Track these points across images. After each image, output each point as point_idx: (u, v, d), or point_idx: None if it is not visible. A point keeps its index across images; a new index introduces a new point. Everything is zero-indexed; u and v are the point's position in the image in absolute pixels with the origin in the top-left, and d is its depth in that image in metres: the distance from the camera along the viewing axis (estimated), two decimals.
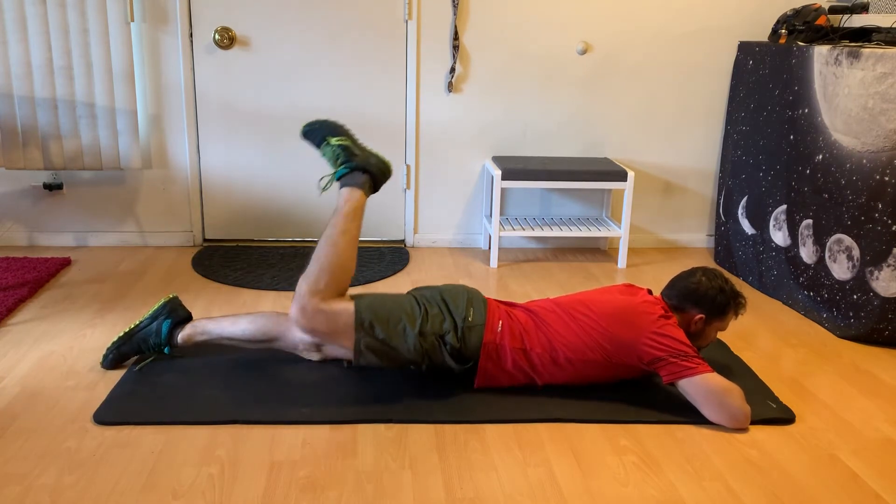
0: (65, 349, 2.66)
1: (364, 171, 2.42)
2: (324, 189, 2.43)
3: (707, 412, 2.23)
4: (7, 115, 3.55)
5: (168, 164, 3.82)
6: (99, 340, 2.74)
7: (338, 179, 2.44)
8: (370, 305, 2.32)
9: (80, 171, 3.76)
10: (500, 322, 2.35)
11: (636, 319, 2.28)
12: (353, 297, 2.36)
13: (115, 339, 2.54)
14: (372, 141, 3.87)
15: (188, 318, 2.57)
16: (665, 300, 2.42)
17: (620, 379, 2.40)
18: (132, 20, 3.57)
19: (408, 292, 2.44)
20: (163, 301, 2.56)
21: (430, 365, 2.34)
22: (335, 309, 2.29)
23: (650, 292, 2.42)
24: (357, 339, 2.29)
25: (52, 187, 3.76)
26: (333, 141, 2.42)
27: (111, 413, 2.21)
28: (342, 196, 2.40)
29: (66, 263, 3.54)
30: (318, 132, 2.45)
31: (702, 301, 2.38)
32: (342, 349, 2.41)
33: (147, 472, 1.96)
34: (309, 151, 3.86)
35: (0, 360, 2.57)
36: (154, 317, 2.52)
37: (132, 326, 2.53)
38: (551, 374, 2.36)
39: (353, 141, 2.45)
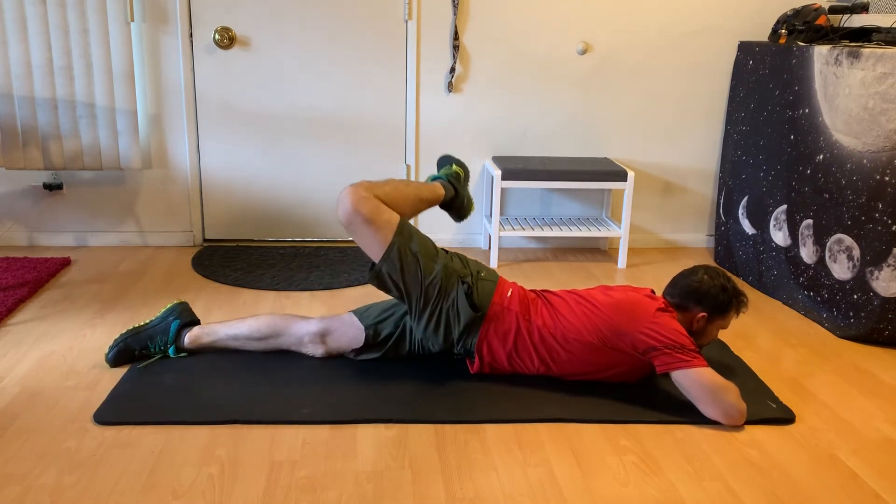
0: (65, 349, 2.66)
1: (455, 190, 2.61)
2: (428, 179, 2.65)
3: (701, 407, 2.24)
4: (7, 115, 3.55)
5: (168, 164, 3.82)
6: (99, 340, 2.74)
7: (434, 179, 2.63)
8: (414, 229, 2.43)
9: (80, 171, 3.76)
10: (511, 290, 2.45)
11: (635, 310, 2.31)
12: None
13: (123, 332, 2.57)
14: (372, 141, 3.87)
15: (196, 322, 2.62)
16: (667, 299, 2.44)
17: (618, 377, 2.41)
18: (132, 20, 3.57)
19: None
20: (174, 303, 2.61)
21: (438, 309, 2.38)
22: (383, 207, 2.36)
23: (653, 292, 2.44)
24: (393, 241, 2.35)
25: (52, 187, 3.76)
26: (455, 167, 2.68)
27: (111, 413, 2.21)
28: (430, 182, 2.59)
29: (66, 263, 3.54)
30: (449, 160, 2.73)
31: (704, 299, 2.39)
32: (369, 249, 2.39)
33: (147, 472, 1.96)
34: (308, 151, 3.86)
35: (0, 360, 2.57)
36: (164, 317, 2.58)
37: (142, 324, 2.57)
38: (549, 350, 2.38)
39: (466, 178, 2.70)
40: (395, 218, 2.36)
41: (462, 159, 3.92)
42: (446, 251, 2.50)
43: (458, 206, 2.63)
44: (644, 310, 2.31)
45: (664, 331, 2.26)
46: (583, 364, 2.39)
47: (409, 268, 2.36)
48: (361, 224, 2.32)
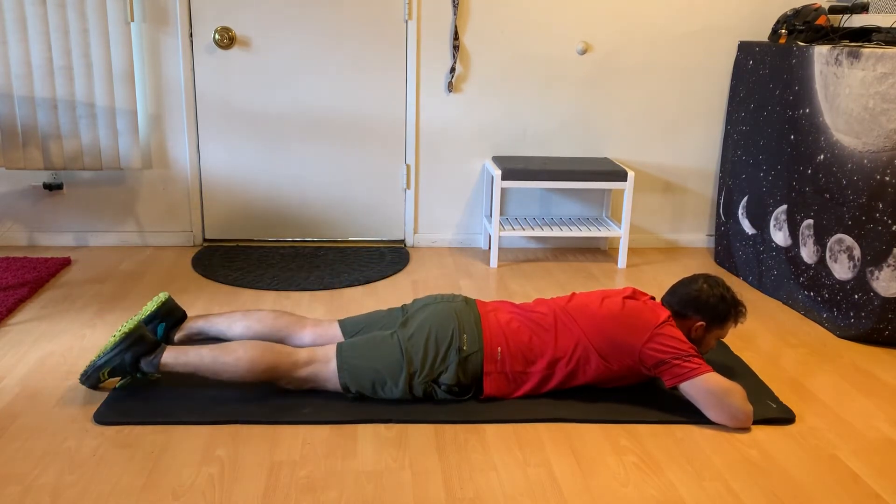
0: (65, 349, 2.66)
1: (141, 351, 2.27)
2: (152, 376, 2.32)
3: (708, 412, 2.23)
4: (7, 115, 3.55)
5: (168, 164, 3.82)
6: (99, 340, 2.74)
7: (145, 375, 2.31)
8: (352, 374, 2.28)
9: (80, 171, 3.76)
10: (500, 349, 2.30)
11: (639, 322, 2.27)
12: (337, 348, 2.30)
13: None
14: (372, 141, 3.87)
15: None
16: (666, 306, 2.41)
17: (620, 384, 2.40)
18: (132, 20, 3.57)
19: (393, 332, 2.33)
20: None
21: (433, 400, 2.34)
22: (320, 377, 2.30)
23: (653, 299, 2.42)
24: (350, 398, 2.32)
25: (52, 187, 3.76)
26: (106, 374, 2.29)
27: (111, 413, 2.21)
28: (170, 367, 2.27)
29: (66, 263, 3.54)
30: (92, 379, 2.30)
31: (703, 308, 2.38)
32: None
33: (147, 472, 1.96)
34: (308, 151, 3.86)
35: (0, 360, 2.57)
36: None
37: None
38: (553, 386, 2.35)
39: (108, 360, 2.27)
40: (335, 379, 2.28)
41: (458, 157, 3.91)
42: (403, 350, 2.27)
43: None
44: (647, 321, 2.27)
45: (670, 341, 2.23)
46: (586, 383, 2.37)
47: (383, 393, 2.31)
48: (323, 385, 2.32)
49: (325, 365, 2.29)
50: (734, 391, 2.21)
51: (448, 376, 2.28)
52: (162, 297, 2.57)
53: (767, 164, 3.45)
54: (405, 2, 3.70)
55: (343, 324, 2.52)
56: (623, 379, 2.36)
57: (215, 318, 2.57)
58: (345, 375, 2.28)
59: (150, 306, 2.54)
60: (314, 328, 2.52)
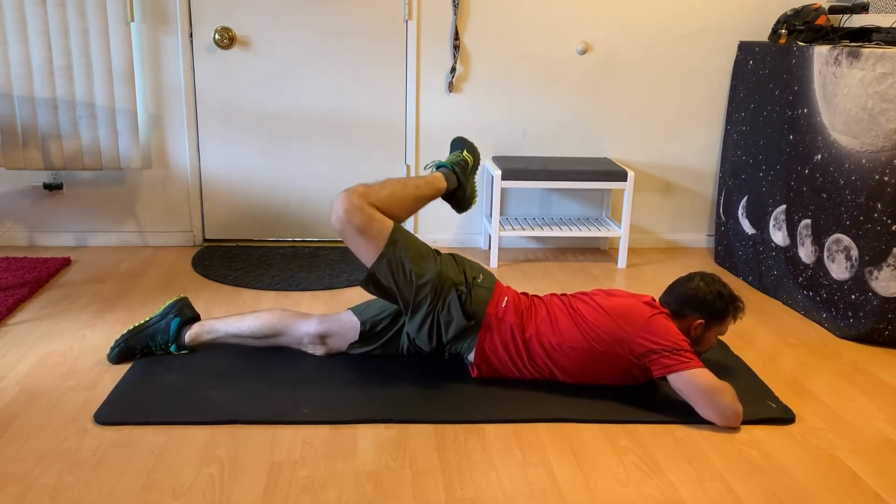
0: (65, 349, 2.66)
1: (459, 182, 2.58)
2: (426, 167, 2.66)
3: (697, 408, 2.24)
4: (7, 115, 3.55)
5: (168, 164, 3.82)
6: (99, 340, 2.74)
7: (438, 168, 2.60)
8: (406, 236, 2.40)
9: (80, 171, 3.76)
10: (506, 299, 2.42)
11: (631, 314, 2.30)
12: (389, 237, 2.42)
13: (124, 332, 2.58)
14: (372, 141, 3.87)
15: (196, 318, 2.63)
16: (664, 306, 2.43)
17: (616, 381, 2.41)
18: (132, 20, 3.57)
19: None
20: (173, 300, 2.62)
21: (431, 315, 2.38)
22: (376, 216, 2.35)
23: (653, 299, 2.44)
24: (384, 252, 2.34)
25: (52, 187, 3.76)
26: (465, 154, 2.64)
27: (111, 413, 2.21)
28: (432, 173, 2.56)
29: (66, 263, 3.54)
30: (462, 144, 2.70)
31: (701, 306, 2.39)
32: (360, 256, 2.41)
33: (147, 472, 1.96)
34: (308, 151, 3.86)
35: (0, 360, 2.57)
36: (164, 314, 2.59)
37: (143, 322, 2.58)
38: (545, 359, 2.38)
39: (474, 167, 2.66)
40: (388, 227, 2.35)
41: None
42: (439, 253, 2.47)
43: (459, 197, 2.60)
44: (639, 313, 2.30)
45: (661, 333, 2.25)
46: (580, 371, 2.38)
47: (400, 277, 2.36)
48: (353, 233, 2.34)
49: (385, 218, 2.37)
50: (723, 389, 2.22)
51: (464, 287, 2.39)
52: (180, 296, 2.66)
53: (767, 165, 3.45)
54: (405, 2, 3.70)
55: (356, 309, 2.60)
56: (618, 370, 2.37)
57: (225, 317, 2.64)
58: (399, 232, 2.36)
59: (167, 303, 2.63)
60: (320, 318, 2.59)
